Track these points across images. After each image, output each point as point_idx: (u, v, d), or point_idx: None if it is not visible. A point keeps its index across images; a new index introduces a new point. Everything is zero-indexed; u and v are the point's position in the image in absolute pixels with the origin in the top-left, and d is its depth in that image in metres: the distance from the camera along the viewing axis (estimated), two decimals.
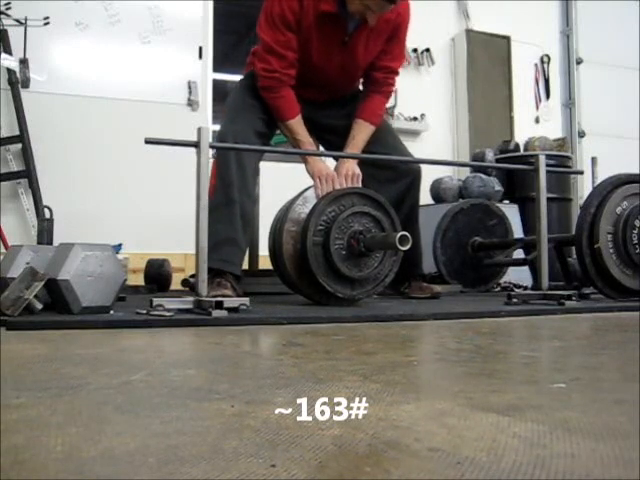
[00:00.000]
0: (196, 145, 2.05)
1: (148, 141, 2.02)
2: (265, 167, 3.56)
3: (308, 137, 2.54)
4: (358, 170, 2.55)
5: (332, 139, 2.72)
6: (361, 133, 2.62)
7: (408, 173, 2.77)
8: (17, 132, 4.09)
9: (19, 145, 4.12)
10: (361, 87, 2.82)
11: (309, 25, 2.43)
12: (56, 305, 1.85)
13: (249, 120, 2.52)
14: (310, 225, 2.29)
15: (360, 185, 2.53)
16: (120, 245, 3.74)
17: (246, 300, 1.97)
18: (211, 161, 2.22)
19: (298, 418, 0.71)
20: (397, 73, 2.73)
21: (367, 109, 2.67)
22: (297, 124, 2.53)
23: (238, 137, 2.42)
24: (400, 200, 2.71)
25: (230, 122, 2.52)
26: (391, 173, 2.74)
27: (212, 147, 2.16)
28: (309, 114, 2.60)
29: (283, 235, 2.39)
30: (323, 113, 2.70)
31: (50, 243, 3.35)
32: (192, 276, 2.55)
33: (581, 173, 3.65)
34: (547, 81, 6.12)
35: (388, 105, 5.08)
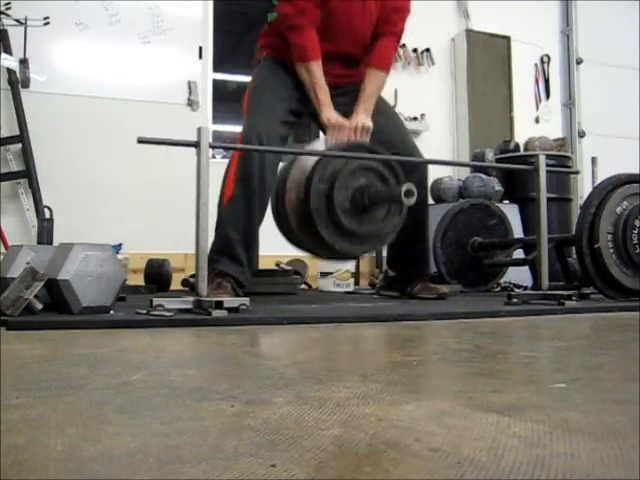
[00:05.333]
0: (196, 145, 2.05)
1: (141, 140, 1.99)
2: None
3: (325, 85, 2.51)
4: (370, 123, 2.52)
5: None
6: (370, 82, 2.60)
7: (414, 169, 2.71)
8: (17, 132, 4.09)
9: (19, 145, 4.11)
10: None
11: None
12: (56, 305, 1.85)
13: (274, 115, 2.48)
14: (315, 173, 2.24)
15: (368, 138, 2.49)
16: (120, 245, 3.74)
17: (246, 300, 1.97)
18: (212, 161, 2.21)
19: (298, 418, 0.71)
20: (402, 11, 2.66)
21: (374, 55, 2.64)
22: (319, 67, 2.51)
23: (262, 135, 2.39)
24: None
25: (255, 117, 2.48)
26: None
27: (212, 147, 2.16)
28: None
29: (287, 182, 2.35)
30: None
31: (50, 243, 3.35)
32: (192, 276, 2.55)
33: (577, 173, 3.64)
34: (547, 81, 6.11)
35: None
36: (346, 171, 2.24)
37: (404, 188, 2.05)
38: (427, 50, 5.50)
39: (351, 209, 2.25)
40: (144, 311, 1.84)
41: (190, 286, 2.85)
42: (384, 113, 2.72)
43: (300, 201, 2.31)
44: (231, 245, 2.37)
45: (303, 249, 2.44)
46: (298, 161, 2.38)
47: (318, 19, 2.51)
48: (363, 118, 2.52)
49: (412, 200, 2.07)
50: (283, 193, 2.35)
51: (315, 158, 2.35)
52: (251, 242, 2.45)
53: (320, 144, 2.44)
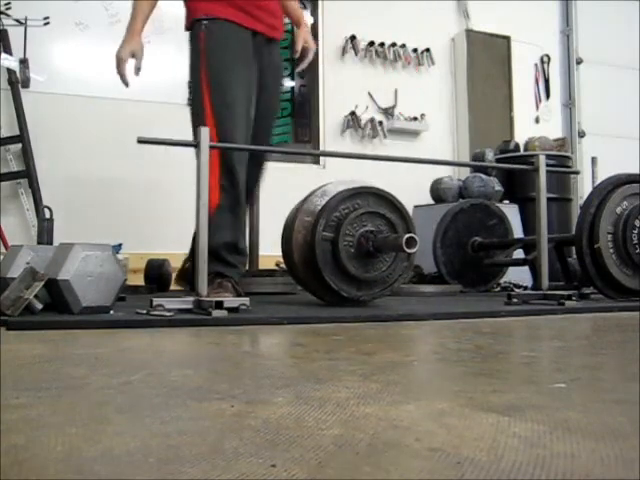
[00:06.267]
0: (196, 145, 2.05)
1: (141, 140, 2.00)
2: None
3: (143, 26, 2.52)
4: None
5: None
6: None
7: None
8: (17, 132, 4.08)
9: (19, 145, 4.11)
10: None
11: None
12: (56, 305, 1.85)
13: (246, 121, 2.46)
14: (321, 219, 2.25)
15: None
16: (120, 245, 3.74)
17: (246, 300, 1.97)
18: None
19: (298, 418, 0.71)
20: None
21: None
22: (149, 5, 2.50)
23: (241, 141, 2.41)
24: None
25: (231, 130, 2.41)
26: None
27: (212, 147, 2.16)
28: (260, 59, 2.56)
29: (296, 223, 2.36)
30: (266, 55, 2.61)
31: (50, 243, 3.34)
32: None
33: (577, 173, 3.64)
34: (547, 81, 6.11)
35: (387, 105, 5.13)
36: (352, 217, 2.25)
37: (405, 237, 2.08)
38: (427, 50, 5.49)
39: (357, 255, 2.26)
40: (144, 311, 1.84)
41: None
42: (274, 75, 2.70)
43: (307, 245, 2.32)
44: (223, 251, 2.38)
45: (309, 292, 2.46)
46: (307, 203, 2.40)
47: None
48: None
49: (414, 249, 2.09)
50: (291, 234, 2.37)
51: (322, 203, 2.34)
52: (240, 245, 2.46)
53: (331, 187, 2.44)
